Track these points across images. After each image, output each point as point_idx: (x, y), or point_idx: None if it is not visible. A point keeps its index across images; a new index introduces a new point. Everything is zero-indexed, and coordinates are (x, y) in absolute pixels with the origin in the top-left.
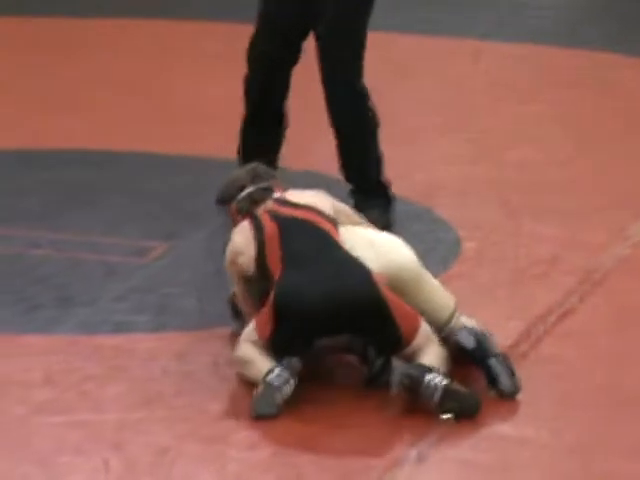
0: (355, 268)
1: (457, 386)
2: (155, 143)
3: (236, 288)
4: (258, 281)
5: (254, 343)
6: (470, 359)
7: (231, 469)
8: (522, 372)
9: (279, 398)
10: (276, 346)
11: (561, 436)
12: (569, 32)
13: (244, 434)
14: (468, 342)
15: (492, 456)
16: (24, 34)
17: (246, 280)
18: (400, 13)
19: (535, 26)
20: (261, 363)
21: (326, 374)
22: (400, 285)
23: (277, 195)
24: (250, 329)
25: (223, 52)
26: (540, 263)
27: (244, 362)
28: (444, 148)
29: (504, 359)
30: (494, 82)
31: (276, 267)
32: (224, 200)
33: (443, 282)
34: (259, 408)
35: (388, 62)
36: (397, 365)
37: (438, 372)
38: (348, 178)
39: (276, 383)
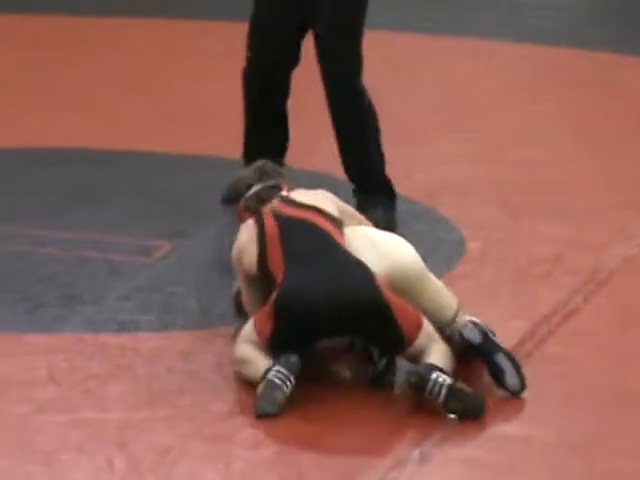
0: (356, 269)
1: (462, 386)
2: (156, 141)
3: (241, 286)
4: (261, 281)
5: (253, 343)
6: (476, 354)
7: (235, 468)
8: (527, 372)
9: (280, 396)
10: (275, 346)
11: (566, 435)
12: (571, 32)
13: (248, 433)
14: (474, 336)
15: (496, 455)
16: (26, 32)
17: (250, 279)
18: (400, 12)
19: (537, 26)
20: (260, 362)
21: (329, 373)
22: (403, 285)
23: (284, 194)
24: (249, 328)
25: (223, 51)
26: (544, 263)
27: (243, 362)
28: (446, 148)
29: (510, 355)
30: (495, 82)
31: (278, 267)
32: (231, 198)
33: (447, 282)
34: (261, 407)
35: (389, 62)
36: (402, 364)
37: (443, 371)
38: (350, 177)
39: (276, 381)
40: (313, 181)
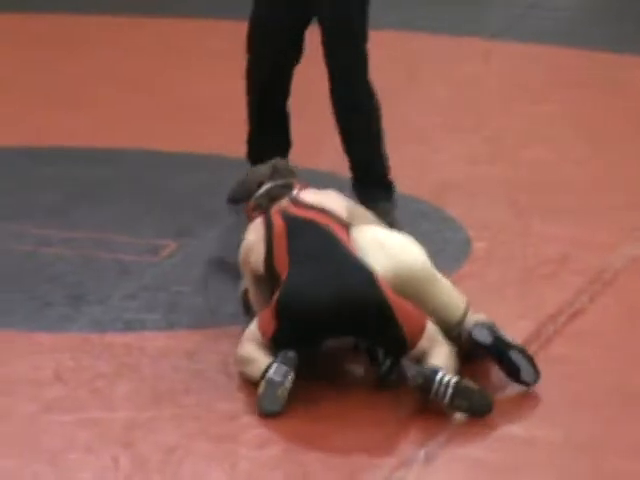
0: (358, 269)
1: (468, 383)
2: (157, 140)
3: (248, 285)
4: (268, 281)
5: (256, 342)
6: (488, 354)
7: (240, 467)
8: None
9: (282, 393)
10: (278, 345)
11: (571, 436)
12: (573, 32)
13: (253, 432)
14: (485, 338)
15: (502, 456)
16: (27, 30)
17: (257, 279)
18: (409, 12)
19: (546, 27)
20: (261, 362)
21: (335, 373)
22: (411, 285)
23: (294, 193)
24: (253, 328)
25: (225, 50)
26: (550, 263)
27: (246, 361)
28: (454, 148)
29: (522, 349)
30: (505, 82)
31: (283, 267)
32: (242, 196)
33: (453, 282)
34: (263, 406)
35: (399, 62)
36: (407, 365)
37: (449, 372)
38: (354, 172)
39: (276, 378)
40: (318, 180)
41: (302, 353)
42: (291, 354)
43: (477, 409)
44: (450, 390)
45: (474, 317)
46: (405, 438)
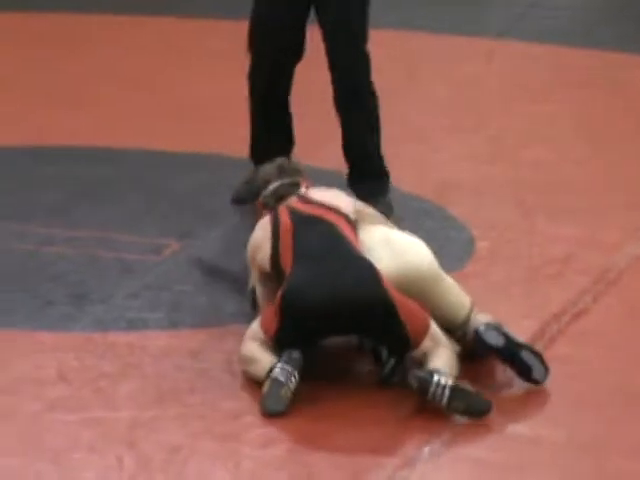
0: (362, 267)
1: (465, 386)
2: (158, 140)
3: (255, 283)
4: (274, 278)
5: (259, 340)
6: (499, 356)
7: (244, 467)
8: None
9: (285, 393)
10: (281, 343)
11: (575, 435)
12: (582, 32)
13: (257, 432)
14: (497, 341)
15: (505, 455)
16: (29, 29)
17: (264, 276)
18: (409, 12)
19: (547, 26)
20: (265, 361)
21: (339, 372)
22: (417, 285)
23: (302, 191)
24: (256, 326)
25: (226, 49)
26: (554, 262)
27: (249, 360)
28: (458, 147)
29: (532, 348)
30: (506, 82)
31: (288, 264)
32: (249, 195)
33: (457, 281)
34: (267, 406)
35: (399, 61)
36: (408, 366)
37: (447, 375)
38: (353, 167)
39: (281, 378)
40: (321, 178)
41: (305, 352)
42: (296, 354)
43: (474, 411)
44: (447, 392)
45: (479, 317)
46: (409, 437)
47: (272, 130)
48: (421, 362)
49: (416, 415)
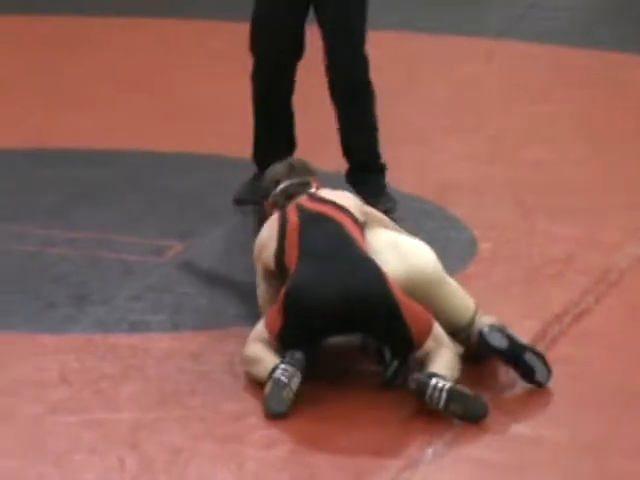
0: (368, 267)
1: (463, 389)
2: (158, 141)
3: (259, 282)
4: (278, 277)
5: (263, 341)
6: (503, 358)
7: (247, 468)
8: None
9: (288, 394)
10: (284, 342)
11: (577, 436)
12: (582, 33)
13: (259, 433)
14: (501, 343)
15: (508, 456)
16: (30, 32)
17: (268, 275)
18: (409, 12)
19: (547, 27)
20: (268, 362)
21: (342, 374)
22: (422, 288)
23: (312, 191)
24: (260, 327)
25: (226, 50)
26: (555, 263)
27: (252, 361)
28: (458, 148)
29: (535, 350)
30: (505, 82)
31: (292, 262)
32: (258, 195)
33: (458, 282)
34: (270, 407)
35: (399, 62)
36: (410, 369)
37: (445, 378)
38: (353, 163)
39: (283, 380)
40: (323, 179)
41: (309, 352)
42: (298, 355)
43: (471, 414)
44: (444, 395)
45: (483, 319)
46: (411, 438)
47: (273, 131)
48: (423, 362)
49: (418, 416)
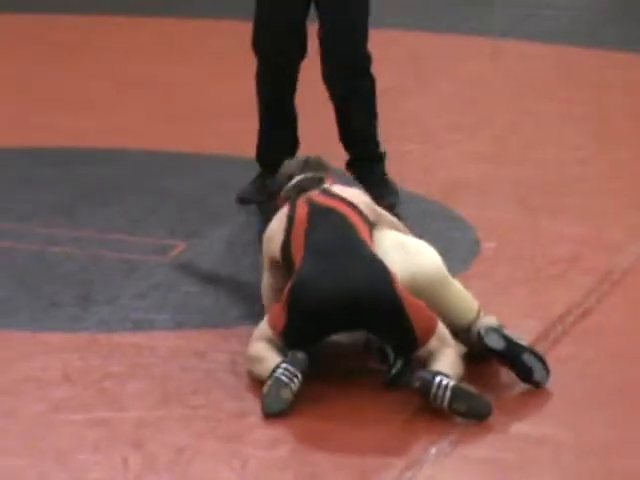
0: (373, 264)
1: (467, 387)
2: (160, 140)
3: (264, 276)
4: (284, 270)
5: (266, 340)
6: (500, 359)
7: (249, 467)
8: None
9: (287, 394)
10: (288, 338)
11: (580, 435)
12: (587, 33)
13: (262, 432)
14: (498, 344)
15: (512, 455)
16: (31, 32)
17: (275, 268)
18: (418, 12)
19: (553, 26)
20: (270, 360)
21: (345, 372)
22: (427, 288)
23: (325, 186)
24: (263, 326)
25: (227, 50)
26: (559, 262)
27: (255, 360)
28: (463, 147)
29: (533, 351)
30: (511, 81)
31: (298, 255)
32: (273, 190)
33: (462, 281)
34: (268, 406)
35: (405, 61)
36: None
37: (449, 376)
38: (353, 152)
39: (283, 379)
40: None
41: (311, 350)
42: (300, 355)
43: (476, 412)
44: (448, 393)
45: (484, 320)
46: (415, 437)
47: (278, 131)
48: (426, 361)
49: (422, 415)
